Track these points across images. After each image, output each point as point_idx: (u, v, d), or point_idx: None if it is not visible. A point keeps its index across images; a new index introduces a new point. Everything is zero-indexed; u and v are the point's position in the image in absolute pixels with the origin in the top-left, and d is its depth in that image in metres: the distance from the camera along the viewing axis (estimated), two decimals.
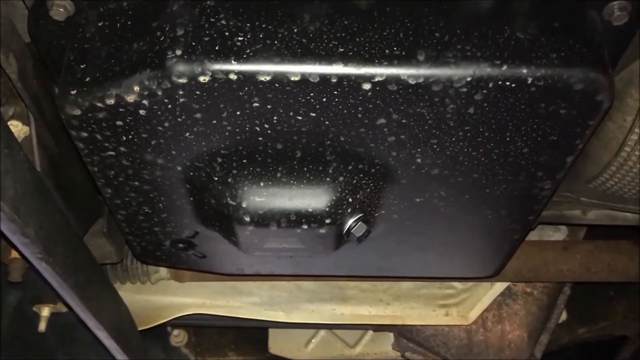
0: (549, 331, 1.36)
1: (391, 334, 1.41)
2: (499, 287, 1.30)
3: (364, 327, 1.43)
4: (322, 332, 1.51)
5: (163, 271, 1.22)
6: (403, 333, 1.35)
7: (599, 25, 0.64)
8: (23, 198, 0.61)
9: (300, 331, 1.49)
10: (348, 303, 1.28)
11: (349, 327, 1.41)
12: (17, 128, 0.76)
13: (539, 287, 1.35)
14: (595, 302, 1.49)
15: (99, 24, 0.66)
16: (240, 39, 0.60)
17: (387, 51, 0.60)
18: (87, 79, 0.63)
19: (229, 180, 0.72)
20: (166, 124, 0.65)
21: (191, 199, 0.78)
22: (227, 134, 0.67)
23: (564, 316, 1.44)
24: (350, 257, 0.91)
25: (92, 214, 0.92)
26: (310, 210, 0.74)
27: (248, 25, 0.61)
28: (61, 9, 0.66)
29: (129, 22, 0.65)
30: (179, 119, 0.65)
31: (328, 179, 0.73)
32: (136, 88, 0.61)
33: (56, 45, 0.69)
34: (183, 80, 0.60)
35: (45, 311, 1.07)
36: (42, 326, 1.06)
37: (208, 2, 0.62)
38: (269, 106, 0.63)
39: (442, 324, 1.30)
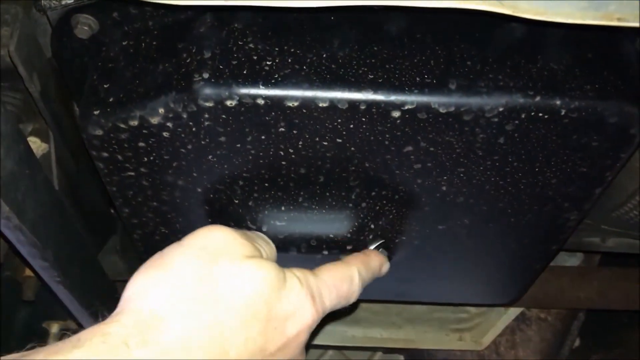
0: (562, 357, 1.34)
1: (401, 357, 1.40)
2: (513, 312, 1.29)
3: (374, 349, 1.41)
4: (331, 352, 1.49)
5: None
6: (414, 356, 1.33)
7: (633, 57, 0.63)
8: (43, 220, 0.60)
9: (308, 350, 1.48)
10: (360, 325, 1.26)
11: (358, 349, 1.39)
12: (36, 145, 0.75)
13: (553, 313, 1.33)
14: (609, 328, 1.47)
15: (124, 44, 0.65)
16: (268, 63, 0.59)
17: (417, 79, 0.59)
18: (111, 100, 0.62)
19: (250, 203, 0.71)
20: (189, 147, 0.64)
21: (210, 220, 0.77)
22: (251, 157, 0.66)
23: (577, 342, 1.42)
24: None
25: (106, 232, 0.91)
26: (331, 236, 0.72)
27: (276, 49, 0.60)
28: (85, 27, 0.65)
29: (154, 43, 0.64)
30: (203, 142, 0.63)
31: (350, 205, 0.71)
32: (161, 110, 0.60)
33: (79, 63, 0.68)
34: (209, 104, 0.59)
35: (55, 328, 1.05)
36: (52, 343, 1.04)
37: (236, 25, 0.61)
38: (295, 131, 0.62)
39: (455, 348, 1.28)
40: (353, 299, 0.64)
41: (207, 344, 0.49)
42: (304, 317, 0.56)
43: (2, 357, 0.45)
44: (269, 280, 0.54)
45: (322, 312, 0.59)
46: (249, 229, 0.72)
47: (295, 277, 0.57)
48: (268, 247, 0.62)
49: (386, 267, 0.72)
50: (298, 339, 0.56)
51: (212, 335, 0.50)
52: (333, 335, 1.25)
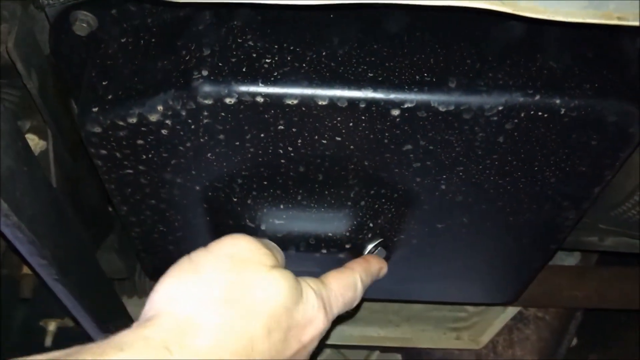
0: (560, 356, 1.35)
1: (399, 356, 1.40)
2: (511, 311, 1.29)
3: (372, 348, 1.41)
4: (328, 350, 1.49)
5: None
6: (411, 355, 1.33)
7: (632, 56, 0.63)
8: (41, 218, 0.60)
9: None
10: (357, 324, 1.26)
11: (356, 347, 1.39)
12: (34, 142, 0.75)
13: (551, 312, 1.33)
14: (607, 327, 1.47)
15: (122, 41, 0.65)
16: (267, 61, 0.59)
17: (417, 77, 0.59)
18: (109, 97, 0.62)
19: (249, 201, 0.71)
20: (188, 144, 0.64)
21: (208, 218, 0.76)
22: (249, 155, 0.65)
23: (574, 341, 1.42)
24: None
25: (104, 230, 0.91)
26: (330, 234, 0.72)
27: (276, 47, 0.60)
28: (84, 24, 0.65)
29: (153, 40, 0.64)
30: (202, 140, 0.63)
31: (349, 203, 0.71)
32: (160, 108, 0.60)
33: (77, 60, 0.68)
34: (208, 102, 0.59)
35: (52, 326, 1.05)
36: (49, 341, 1.04)
37: (235, 22, 0.61)
38: (294, 129, 0.62)
39: (453, 347, 1.28)
40: (355, 304, 0.67)
41: (236, 350, 0.52)
42: (318, 326, 0.59)
43: (41, 355, 0.46)
44: (290, 290, 0.57)
45: (331, 319, 0.62)
46: (248, 227, 0.72)
47: (311, 289, 0.60)
48: (280, 256, 0.65)
49: (384, 270, 0.75)
50: (310, 345, 0.60)
51: (241, 341, 0.53)
52: (330, 334, 1.25)
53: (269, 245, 0.64)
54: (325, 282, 0.64)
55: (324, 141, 0.63)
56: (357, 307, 0.70)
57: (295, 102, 0.59)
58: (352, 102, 0.59)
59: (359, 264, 0.70)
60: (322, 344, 0.64)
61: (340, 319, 0.67)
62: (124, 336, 0.48)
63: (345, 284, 0.65)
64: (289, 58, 0.59)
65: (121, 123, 0.62)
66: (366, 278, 0.69)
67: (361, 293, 0.68)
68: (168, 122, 0.61)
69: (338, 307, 0.64)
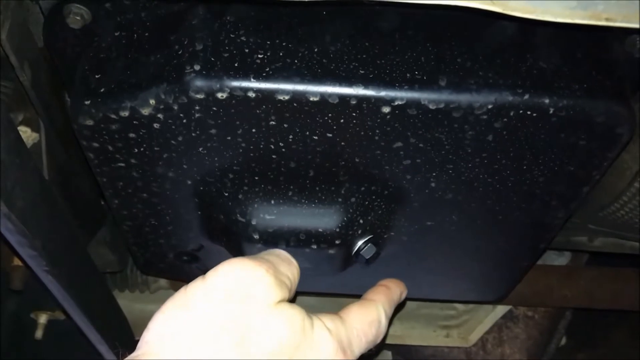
0: (549, 355, 1.36)
1: (389, 353, 1.40)
2: (501, 309, 1.30)
3: None
4: None
5: (162, 281, 1.21)
6: (401, 353, 1.34)
7: (621, 57, 0.63)
8: (32, 209, 0.60)
9: None
10: None
11: None
12: (26, 134, 0.75)
13: (541, 311, 1.34)
14: (595, 327, 1.49)
15: (116, 34, 0.65)
16: (260, 56, 0.59)
17: (408, 75, 0.59)
18: (102, 90, 0.62)
19: (240, 196, 0.71)
20: (180, 138, 0.64)
21: (199, 213, 0.77)
22: (241, 150, 0.66)
23: (563, 341, 1.43)
24: (356, 277, 0.90)
25: (96, 222, 0.91)
26: (320, 230, 0.73)
27: (268, 42, 0.60)
28: (78, 17, 0.65)
29: (147, 34, 0.64)
30: (193, 134, 0.64)
31: (340, 200, 0.72)
32: (152, 101, 0.60)
33: (71, 53, 0.68)
34: (200, 96, 0.59)
35: (43, 318, 1.05)
36: (39, 333, 1.04)
37: (228, 17, 0.61)
38: (285, 125, 0.62)
39: (442, 345, 1.29)
40: (380, 340, 0.61)
41: None
42: None
43: None
44: (295, 334, 0.50)
45: None
46: (239, 221, 0.72)
47: (326, 329, 0.52)
48: (291, 271, 0.58)
49: (405, 294, 0.69)
50: None
51: None
52: None
53: (273, 264, 0.55)
54: (345, 319, 0.56)
55: (315, 137, 0.63)
56: (382, 341, 0.63)
57: (286, 97, 0.59)
58: (343, 99, 0.59)
59: (381, 293, 0.64)
60: None
61: (363, 358, 0.58)
62: None
63: (370, 320, 0.59)
64: (281, 54, 0.60)
65: (113, 116, 0.62)
66: (389, 309, 0.63)
67: (385, 327, 0.61)
68: (160, 115, 0.61)
69: (360, 347, 0.56)
